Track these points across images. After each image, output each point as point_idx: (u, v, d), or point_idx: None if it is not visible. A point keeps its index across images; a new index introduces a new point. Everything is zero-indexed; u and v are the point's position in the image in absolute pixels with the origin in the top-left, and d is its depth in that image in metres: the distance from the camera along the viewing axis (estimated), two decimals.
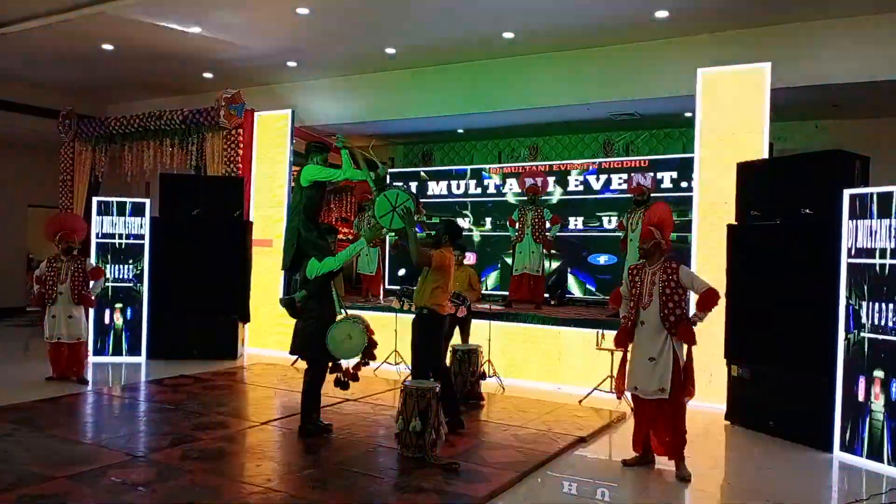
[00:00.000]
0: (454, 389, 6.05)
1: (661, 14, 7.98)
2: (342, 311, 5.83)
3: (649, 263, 5.08)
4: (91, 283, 7.76)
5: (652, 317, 4.93)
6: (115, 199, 9.16)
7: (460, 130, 12.05)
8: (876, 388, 5.24)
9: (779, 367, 6.08)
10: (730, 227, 6.70)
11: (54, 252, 7.87)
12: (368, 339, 5.61)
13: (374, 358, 5.73)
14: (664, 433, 5.00)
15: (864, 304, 5.34)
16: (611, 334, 7.06)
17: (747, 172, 6.70)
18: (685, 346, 4.95)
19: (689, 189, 8.96)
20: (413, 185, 11.79)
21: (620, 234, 8.65)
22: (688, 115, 9.41)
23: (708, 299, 4.88)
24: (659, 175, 9.98)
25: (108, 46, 9.88)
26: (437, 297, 5.74)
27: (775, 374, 6.12)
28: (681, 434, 4.94)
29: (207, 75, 11.22)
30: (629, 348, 5.14)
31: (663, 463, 5.11)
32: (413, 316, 5.93)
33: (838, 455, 5.50)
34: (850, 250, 5.49)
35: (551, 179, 10.50)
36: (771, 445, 5.90)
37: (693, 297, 5.17)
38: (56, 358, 7.68)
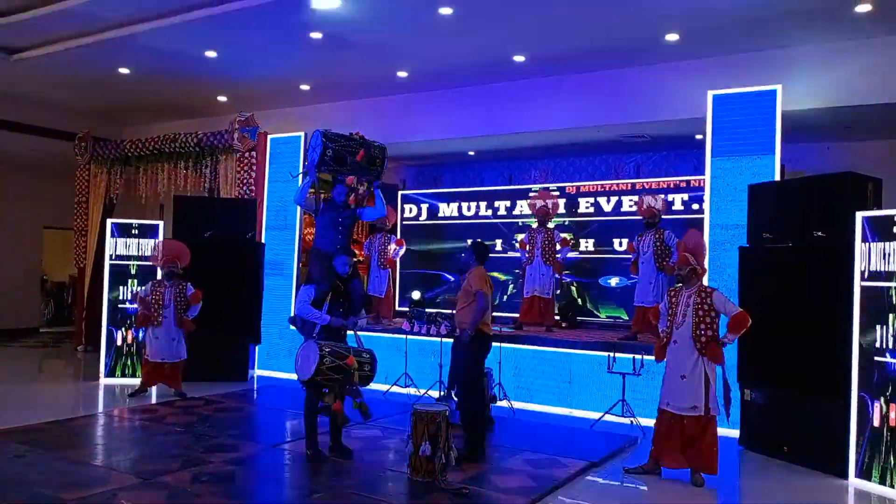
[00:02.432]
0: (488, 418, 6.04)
1: (672, 37, 8.02)
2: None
3: (686, 286, 5.40)
4: (191, 307, 8.10)
5: (684, 336, 5.28)
6: (129, 221, 9.27)
7: (471, 152, 12.09)
8: (892, 413, 5.16)
9: (793, 391, 6.02)
10: (742, 249, 6.67)
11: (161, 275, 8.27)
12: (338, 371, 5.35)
13: (353, 394, 5.47)
14: (699, 449, 5.22)
15: (879, 327, 5.29)
16: (622, 357, 7.09)
17: (759, 195, 6.68)
18: (716, 366, 5.26)
19: (700, 211, 8.93)
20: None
21: (631, 256, 8.62)
22: (699, 137, 9.41)
23: (738, 322, 5.20)
24: (670, 197, 9.96)
25: (124, 70, 10.04)
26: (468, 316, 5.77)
27: (789, 399, 6.05)
28: (716, 449, 5.23)
29: (222, 99, 11.36)
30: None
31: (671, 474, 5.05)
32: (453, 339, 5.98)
33: (854, 482, 5.41)
34: (863, 273, 5.45)
35: (562, 202, 10.49)
36: (785, 471, 5.82)
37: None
38: (152, 374, 8.07)
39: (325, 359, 5.26)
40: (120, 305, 9.01)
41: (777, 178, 7.10)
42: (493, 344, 7.70)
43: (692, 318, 5.25)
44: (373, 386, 8.39)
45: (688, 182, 9.94)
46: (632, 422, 6.84)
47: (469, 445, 5.64)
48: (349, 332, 5.84)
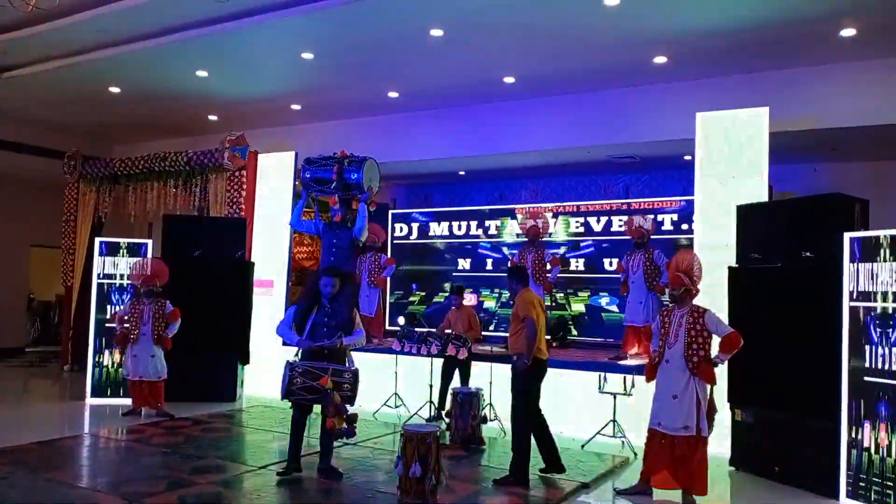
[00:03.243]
0: (552, 435, 5.94)
1: (660, 59, 8.11)
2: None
3: (678, 306, 5.39)
4: (169, 325, 8.05)
5: (676, 356, 5.27)
6: (117, 240, 9.22)
7: (462, 172, 12.14)
8: (882, 434, 5.17)
9: (783, 411, 6.02)
10: (730, 269, 6.70)
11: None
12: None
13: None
14: (689, 469, 5.18)
15: (868, 347, 5.31)
16: (612, 377, 7.07)
17: (748, 215, 6.72)
18: (707, 386, 5.23)
19: (690, 231, 8.99)
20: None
21: (620, 276, 8.65)
22: (687, 157, 9.49)
23: (730, 343, 5.20)
24: (659, 218, 10.02)
25: (114, 89, 10.04)
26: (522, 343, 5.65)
27: (779, 419, 6.05)
28: (706, 469, 5.21)
29: (212, 118, 11.37)
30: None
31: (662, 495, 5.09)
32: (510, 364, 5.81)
33: (844, 502, 5.40)
34: (851, 293, 5.48)
35: (552, 221, 10.54)
36: (776, 492, 5.80)
37: (716, 341, 5.35)
38: (136, 394, 8.06)
39: (295, 379, 5.39)
40: (107, 325, 8.93)
41: (766, 198, 7.16)
42: (483, 363, 7.76)
43: (684, 338, 5.23)
44: (362, 406, 8.42)
45: (676, 202, 10.02)
46: (623, 442, 6.81)
47: (515, 471, 5.57)
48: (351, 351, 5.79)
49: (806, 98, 8.14)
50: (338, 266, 5.88)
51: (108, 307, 8.91)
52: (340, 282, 5.69)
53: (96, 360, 8.89)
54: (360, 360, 8.54)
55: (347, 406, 5.44)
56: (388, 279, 11.00)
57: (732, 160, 7.33)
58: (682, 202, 9.84)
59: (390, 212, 12.52)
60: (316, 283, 5.73)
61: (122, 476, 5.61)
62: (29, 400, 9.77)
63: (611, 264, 10.24)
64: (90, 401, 8.78)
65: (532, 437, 5.75)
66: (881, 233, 5.34)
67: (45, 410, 7.76)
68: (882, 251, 5.29)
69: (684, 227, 9.70)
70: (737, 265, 6.69)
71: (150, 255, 9.12)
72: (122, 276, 9.04)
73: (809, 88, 8.13)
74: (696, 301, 5.41)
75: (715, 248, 7.12)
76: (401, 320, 11.12)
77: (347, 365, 5.58)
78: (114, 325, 8.57)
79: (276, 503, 5.14)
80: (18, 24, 8.20)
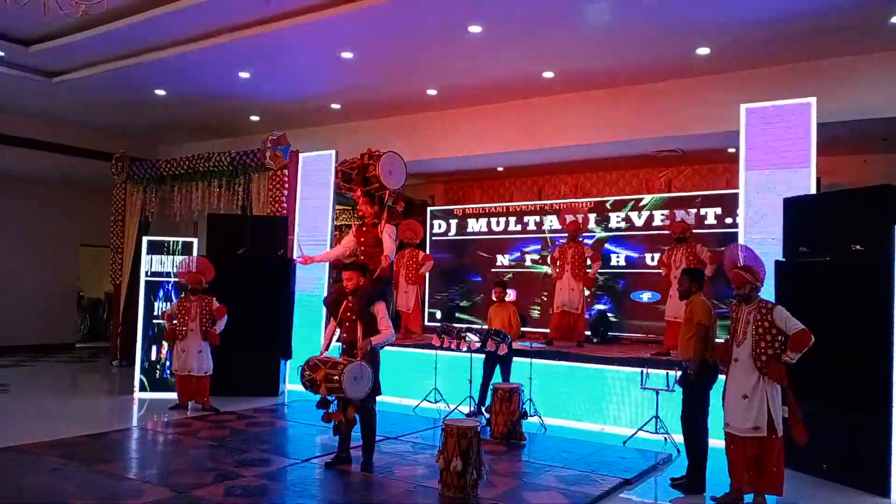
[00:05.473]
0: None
1: (703, 51, 7.98)
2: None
3: (746, 304, 5.12)
4: (217, 321, 8.22)
5: (744, 355, 5.01)
6: (164, 239, 9.44)
7: (500, 168, 12.11)
8: None
9: (832, 408, 5.87)
10: (777, 263, 6.56)
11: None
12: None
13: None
14: (763, 471, 4.97)
15: None
16: (655, 373, 6.98)
17: (795, 208, 6.58)
18: (778, 386, 4.96)
19: (734, 225, 8.83)
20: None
21: (661, 271, 8.54)
22: (731, 150, 9.32)
23: (799, 340, 4.87)
24: (703, 211, 9.86)
25: (160, 92, 10.27)
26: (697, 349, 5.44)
27: (829, 416, 5.90)
28: (781, 471, 4.98)
29: (254, 118, 11.55)
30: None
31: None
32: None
33: None
34: None
35: (592, 216, 10.45)
36: (825, 489, 5.67)
37: None
38: (183, 388, 8.23)
39: (305, 372, 5.58)
40: (154, 321, 9.15)
41: (813, 190, 6.99)
42: (524, 360, 7.74)
43: (752, 336, 4.99)
44: (403, 401, 8.49)
45: (720, 196, 9.84)
46: (665, 438, 6.73)
47: (691, 476, 5.50)
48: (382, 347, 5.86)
49: (855, 88, 7.92)
50: (357, 259, 6.00)
51: (156, 304, 9.13)
52: (361, 277, 5.73)
53: (144, 355, 9.11)
54: (400, 355, 8.66)
55: (346, 398, 5.47)
56: (427, 276, 11.02)
57: (778, 152, 7.17)
58: (726, 196, 9.65)
59: (429, 209, 12.55)
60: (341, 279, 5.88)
61: (170, 468, 5.75)
62: (79, 394, 10.05)
63: (652, 259, 10.11)
64: (138, 395, 9.01)
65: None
66: None
67: (94, 404, 7.99)
68: None
69: (728, 220, 9.52)
70: (784, 259, 6.54)
71: (195, 253, 9.31)
72: (169, 275, 9.25)
73: (858, 78, 7.91)
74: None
75: (761, 243, 6.98)
76: (438, 314, 11.13)
77: (358, 362, 5.52)
78: (162, 321, 8.78)
79: (319, 495, 5.21)
80: (69, 31, 8.44)
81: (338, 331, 5.91)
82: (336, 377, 5.37)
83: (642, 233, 10.36)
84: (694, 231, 8.58)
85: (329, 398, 5.61)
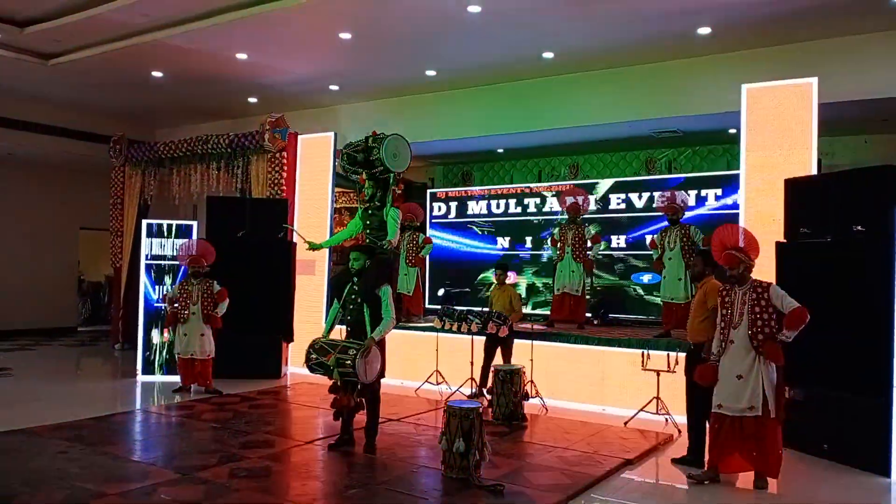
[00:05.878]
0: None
1: (704, 30, 7.92)
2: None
3: (739, 285, 5.10)
4: (218, 304, 8.24)
5: (741, 336, 5.02)
6: (164, 222, 9.43)
7: (500, 150, 12.07)
8: None
9: (833, 388, 5.90)
10: (778, 244, 6.56)
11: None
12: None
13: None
14: (760, 452, 5.01)
15: None
16: (656, 354, 7.00)
17: (796, 189, 6.57)
18: (774, 367, 4.99)
19: (735, 206, 8.82)
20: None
21: (652, 252, 8.53)
22: (732, 131, 9.29)
23: (796, 318, 4.89)
24: (703, 192, 9.84)
25: (157, 74, 10.20)
26: (709, 332, 5.42)
27: (829, 397, 5.94)
28: (779, 452, 5.02)
29: (252, 100, 11.48)
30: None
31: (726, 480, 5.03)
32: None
33: None
34: None
35: (592, 198, 10.42)
36: (826, 470, 5.72)
37: None
38: (186, 371, 8.28)
39: (311, 355, 5.64)
40: (155, 304, 9.17)
41: (814, 171, 6.98)
42: (526, 341, 7.77)
43: (748, 317, 4.99)
44: (404, 382, 8.54)
45: (721, 177, 9.82)
46: (666, 419, 6.77)
47: (692, 452, 5.58)
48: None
49: (856, 68, 7.88)
50: (363, 241, 5.97)
51: (157, 287, 9.14)
52: (367, 259, 5.73)
53: (146, 338, 9.14)
54: (402, 337, 8.68)
55: (356, 381, 5.50)
56: (427, 258, 11.00)
57: (779, 133, 7.15)
58: (727, 176, 9.63)
59: (428, 191, 12.52)
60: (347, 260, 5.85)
61: (174, 450, 5.80)
62: (82, 377, 10.10)
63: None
64: (141, 378, 9.05)
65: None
66: None
67: (98, 387, 8.04)
68: None
69: (728, 201, 9.51)
70: (785, 240, 6.55)
71: (195, 236, 9.30)
72: (168, 258, 9.25)
73: (859, 58, 7.86)
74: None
75: (762, 223, 6.98)
76: (440, 292, 11.12)
77: (370, 345, 5.49)
78: (163, 304, 8.79)
79: (323, 477, 5.24)
80: (65, 12, 8.36)
81: (340, 312, 5.91)
82: (349, 361, 5.40)
83: (643, 214, 10.34)
84: (696, 213, 8.55)
85: (338, 383, 5.61)
